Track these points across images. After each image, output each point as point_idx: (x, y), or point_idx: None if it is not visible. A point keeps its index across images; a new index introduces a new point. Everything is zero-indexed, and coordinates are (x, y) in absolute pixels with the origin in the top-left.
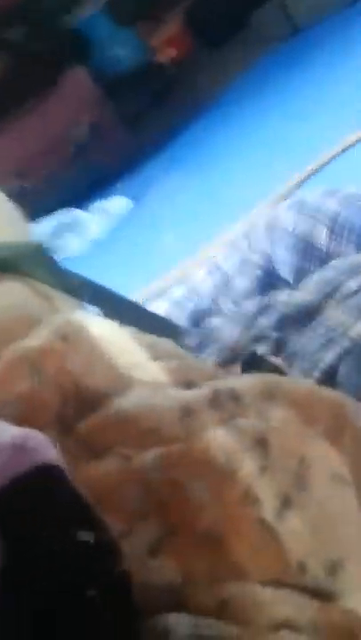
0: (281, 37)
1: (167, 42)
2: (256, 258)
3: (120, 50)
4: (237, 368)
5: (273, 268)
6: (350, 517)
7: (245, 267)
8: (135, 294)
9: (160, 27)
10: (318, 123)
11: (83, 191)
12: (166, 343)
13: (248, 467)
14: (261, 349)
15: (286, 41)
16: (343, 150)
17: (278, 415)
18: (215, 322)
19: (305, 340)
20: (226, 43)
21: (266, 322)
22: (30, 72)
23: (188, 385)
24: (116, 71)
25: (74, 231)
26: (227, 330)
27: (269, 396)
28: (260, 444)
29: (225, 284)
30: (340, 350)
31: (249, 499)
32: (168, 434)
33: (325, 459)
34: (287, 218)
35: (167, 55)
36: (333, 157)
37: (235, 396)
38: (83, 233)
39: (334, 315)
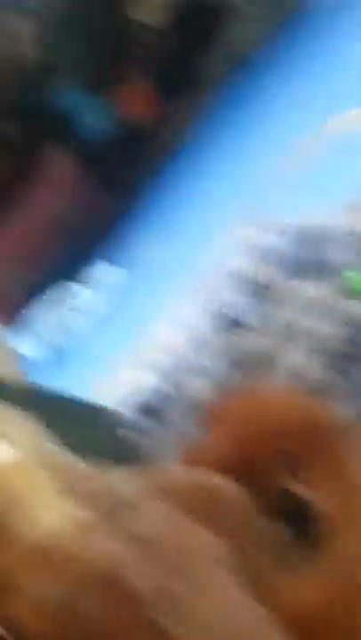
0: (229, 75)
1: (135, 102)
2: (217, 308)
3: (91, 118)
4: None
5: (234, 314)
6: (243, 604)
7: (209, 318)
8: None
9: (125, 88)
10: (257, 155)
11: (77, 267)
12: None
13: (133, 570)
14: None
15: (234, 78)
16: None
17: (158, 511)
18: (189, 380)
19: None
20: (183, 92)
21: (233, 373)
22: (8, 160)
23: (83, 497)
24: (90, 140)
25: (73, 307)
26: (199, 387)
27: (151, 492)
28: (143, 544)
29: (195, 339)
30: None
31: (137, 601)
32: (67, 554)
33: (210, 548)
34: (236, 261)
35: (137, 114)
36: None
37: (122, 502)
38: (82, 307)
39: (292, 358)
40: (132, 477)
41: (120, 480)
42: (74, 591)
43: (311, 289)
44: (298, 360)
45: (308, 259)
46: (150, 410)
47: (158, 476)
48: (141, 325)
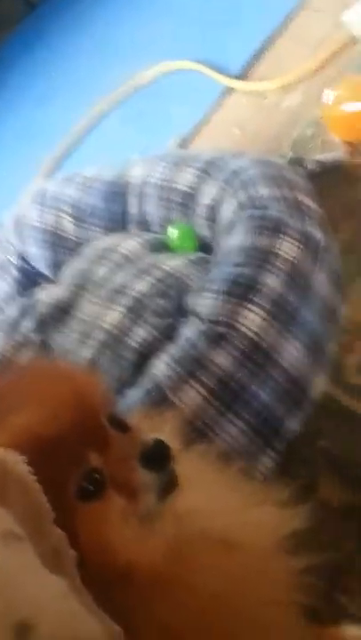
0: (19, 15)
1: None
2: (11, 259)
3: None
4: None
5: (30, 265)
6: (32, 573)
7: (3, 270)
8: None
9: None
10: (67, 99)
11: None
12: None
13: None
14: (26, 355)
15: (25, 18)
16: (91, 125)
17: None
18: None
19: (63, 339)
20: None
21: (28, 325)
22: None
23: None
24: None
25: None
26: None
27: None
28: None
29: None
30: (96, 345)
31: None
32: None
33: None
34: (31, 212)
35: None
36: (83, 134)
37: None
38: None
39: (87, 307)
40: None
41: None
42: None
43: (111, 241)
44: (95, 311)
45: (110, 211)
46: None
47: None
48: None
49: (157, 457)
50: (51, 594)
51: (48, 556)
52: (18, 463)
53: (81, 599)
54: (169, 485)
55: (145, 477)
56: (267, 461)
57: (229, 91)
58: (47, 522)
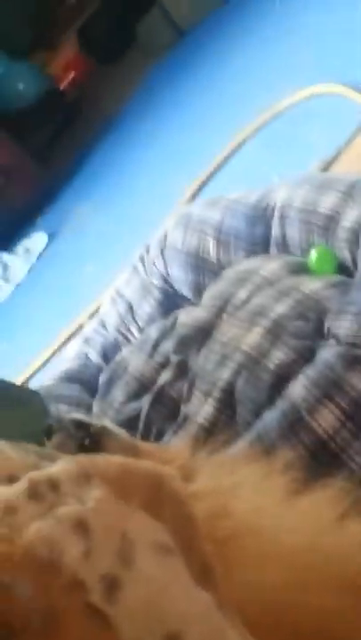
0: (168, 43)
1: (65, 66)
2: (154, 280)
3: (19, 84)
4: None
5: (172, 287)
6: (182, 586)
7: (145, 291)
8: (58, 333)
9: (55, 52)
10: (212, 125)
11: (5, 233)
12: None
13: (71, 553)
14: (165, 376)
15: (174, 46)
16: (234, 151)
17: (95, 495)
18: (123, 353)
19: (202, 360)
20: (118, 58)
21: (168, 346)
22: None
23: (10, 479)
24: (18, 106)
25: (1, 276)
26: (133, 360)
27: (85, 477)
28: (81, 527)
29: (129, 311)
30: (235, 366)
31: (75, 585)
32: None
33: (147, 531)
34: (175, 235)
35: (67, 79)
36: (227, 159)
37: (52, 485)
38: (9, 276)
39: (227, 329)
40: (66, 460)
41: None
42: (3, 573)
43: (253, 263)
44: (234, 332)
45: (252, 234)
46: (75, 378)
47: (97, 461)
48: (73, 295)
49: None
50: (198, 608)
51: (196, 570)
52: (174, 479)
53: (225, 615)
54: None
55: None
56: None
57: None
58: (198, 536)
